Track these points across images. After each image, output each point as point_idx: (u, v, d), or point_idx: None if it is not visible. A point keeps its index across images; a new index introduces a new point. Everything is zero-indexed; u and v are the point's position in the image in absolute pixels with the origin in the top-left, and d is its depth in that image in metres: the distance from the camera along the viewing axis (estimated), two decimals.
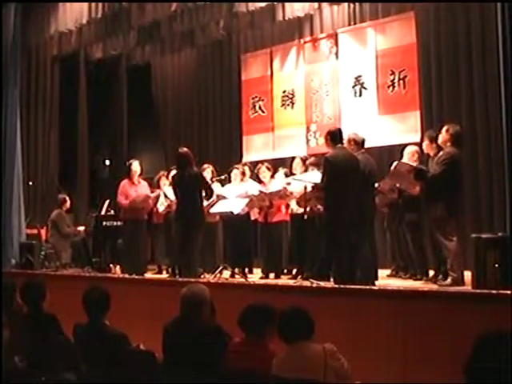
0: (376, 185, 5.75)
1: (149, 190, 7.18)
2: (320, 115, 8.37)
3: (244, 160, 8.66)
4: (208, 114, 9.68)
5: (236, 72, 9.26)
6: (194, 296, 3.17)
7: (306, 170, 6.34)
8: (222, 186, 7.02)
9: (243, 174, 7.03)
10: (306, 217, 5.71)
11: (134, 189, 7.04)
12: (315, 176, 5.60)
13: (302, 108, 8.52)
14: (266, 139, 8.87)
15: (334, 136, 5.26)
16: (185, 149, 6.04)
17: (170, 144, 9.90)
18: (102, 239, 7.53)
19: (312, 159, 6.48)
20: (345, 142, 5.37)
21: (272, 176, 6.87)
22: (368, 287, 4.64)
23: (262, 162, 7.21)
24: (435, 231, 5.14)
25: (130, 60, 9.81)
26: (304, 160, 6.53)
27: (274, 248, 6.66)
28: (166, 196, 7.02)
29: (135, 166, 7.06)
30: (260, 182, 6.88)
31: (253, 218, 6.99)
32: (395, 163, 5.56)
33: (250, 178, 7.14)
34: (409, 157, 5.72)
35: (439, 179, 5.03)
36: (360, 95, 7.94)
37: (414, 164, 5.50)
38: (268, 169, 6.84)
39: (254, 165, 7.34)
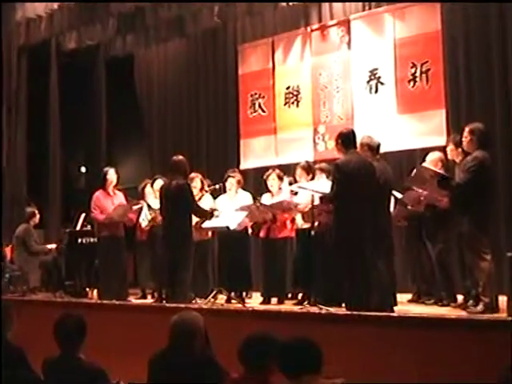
0: (398, 195, 5.76)
1: (125, 202, 7.21)
2: (329, 115, 8.40)
3: (242, 167, 8.72)
4: (200, 113, 9.70)
5: (232, 65, 9.31)
6: (186, 324, 3.15)
7: (312, 179, 6.38)
8: (215, 197, 7.07)
9: (239, 183, 7.08)
10: (313, 233, 5.76)
11: (110, 201, 7.07)
12: (324, 185, 5.64)
13: (309, 106, 8.56)
14: (268, 143, 8.91)
15: (346, 139, 5.30)
16: (180, 157, 6.14)
17: (157, 148, 9.96)
18: (76, 259, 7.57)
19: (322, 164, 6.51)
20: (358, 146, 5.40)
21: (279, 187, 6.87)
22: (386, 314, 4.62)
23: (272, 168, 7.23)
24: (464, 249, 5.17)
25: (109, 51, 9.86)
26: (307, 167, 6.53)
27: (276, 269, 6.70)
28: (149, 207, 7.08)
29: (111, 174, 7.10)
30: (268, 191, 6.93)
31: (251, 233, 7.05)
32: (417, 168, 5.58)
33: (243, 187, 7.15)
34: (432, 165, 5.73)
35: (466, 189, 5.04)
36: (376, 91, 8.00)
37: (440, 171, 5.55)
38: (278, 177, 6.83)
39: (257, 172, 7.35)
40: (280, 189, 6.80)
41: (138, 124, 10.27)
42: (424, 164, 5.76)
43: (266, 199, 6.81)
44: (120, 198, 7.21)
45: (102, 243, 7.06)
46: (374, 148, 5.51)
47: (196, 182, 6.96)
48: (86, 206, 7.48)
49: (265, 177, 6.90)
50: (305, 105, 8.61)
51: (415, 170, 5.55)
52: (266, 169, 7.21)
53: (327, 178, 5.94)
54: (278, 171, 6.92)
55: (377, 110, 7.92)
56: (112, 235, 6.96)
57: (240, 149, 9.14)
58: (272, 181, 6.83)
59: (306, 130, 8.54)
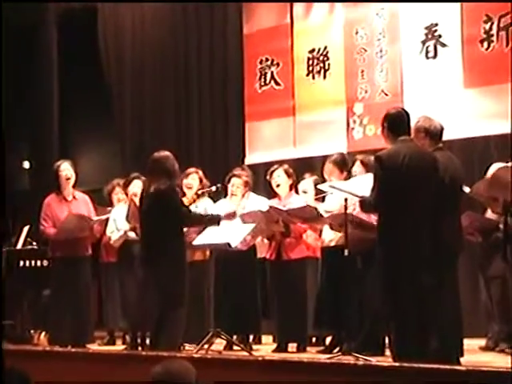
0: (466, 189, 5.76)
1: (92, 209, 7.25)
2: (370, 89, 8.41)
3: (247, 161, 8.75)
4: (191, 88, 9.72)
5: (235, 22, 9.39)
6: (173, 378, 3.16)
7: (348, 178, 6.45)
8: (214, 202, 7.16)
9: (247, 185, 7.11)
10: (346, 252, 5.80)
11: (67, 208, 7.11)
12: (363, 184, 5.61)
13: (341, 77, 8.58)
14: (283, 128, 8.90)
15: (395, 122, 5.29)
16: (165, 153, 6.11)
17: (130, 137, 9.96)
18: (17, 289, 7.57)
19: (362, 156, 6.55)
20: (412, 131, 5.39)
21: (293, 187, 6.94)
22: (449, 367, 4.38)
23: (279, 162, 7.25)
24: None
25: (62, 3, 10.01)
26: (340, 161, 6.61)
27: (294, 302, 6.74)
28: (127, 216, 6.96)
29: (66, 169, 7.12)
30: (274, 195, 6.95)
31: (261, 256, 7.09)
32: (494, 167, 5.58)
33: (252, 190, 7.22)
34: None
35: None
36: (435, 56, 8.04)
37: None
38: (287, 174, 6.89)
39: (268, 168, 7.28)
40: (291, 190, 6.90)
41: (104, 105, 10.27)
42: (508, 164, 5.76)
43: (275, 204, 6.85)
44: (82, 203, 7.26)
45: (54, 267, 7.10)
46: (435, 134, 5.48)
47: (193, 179, 7.07)
48: (30, 214, 7.55)
49: (268, 174, 7.00)
50: (335, 75, 8.64)
51: (490, 172, 5.56)
52: (281, 164, 7.26)
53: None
54: (286, 166, 6.97)
55: (435, 81, 7.95)
56: (70, 256, 7.00)
57: (245, 137, 9.14)
58: (278, 179, 6.87)
59: (336, 109, 8.56)
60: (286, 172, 6.91)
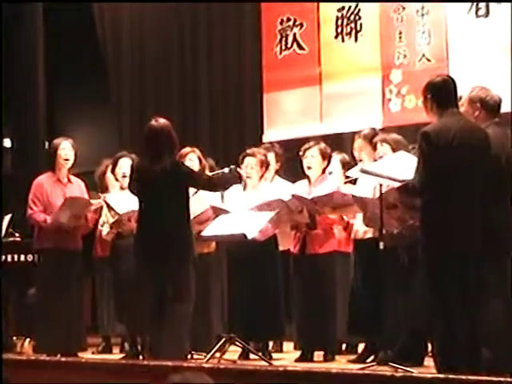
0: None
1: (87, 196, 7.31)
2: (409, 53, 8.37)
3: (266, 139, 8.70)
4: (199, 53, 9.70)
5: None
6: None
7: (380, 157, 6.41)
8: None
9: (263, 164, 7.10)
10: (382, 246, 5.83)
11: (61, 192, 7.16)
12: (404, 166, 5.58)
13: (376, 40, 8.59)
14: (308, 99, 8.88)
15: (441, 92, 5.28)
16: (160, 121, 6.15)
17: (129, 108, 9.97)
18: None
19: (393, 136, 6.51)
20: (461, 103, 5.38)
21: (326, 170, 6.93)
22: (503, 379, 4.32)
23: (314, 140, 7.21)
24: None
25: None
26: (372, 137, 6.63)
27: (321, 303, 6.74)
28: (110, 208, 7.13)
29: (65, 148, 7.20)
30: (305, 177, 6.94)
31: (282, 249, 7.10)
32: None
33: (279, 173, 7.34)
34: None
35: None
36: (486, 14, 7.96)
37: None
38: (322, 154, 6.82)
39: (289, 147, 7.30)
40: (324, 173, 6.86)
41: (99, 73, 10.28)
42: None
43: (302, 190, 6.86)
44: (77, 188, 7.30)
45: (41, 262, 7.11)
46: (492, 106, 5.46)
47: (191, 159, 7.04)
48: (12, 201, 7.66)
49: (301, 153, 6.94)
50: (368, 37, 8.65)
51: None
52: (304, 141, 7.23)
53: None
54: (322, 145, 6.91)
55: (486, 45, 7.90)
56: (59, 249, 7.02)
57: (263, 110, 9.12)
58: (311, 159, 6.84)
59: (370, 77, 8.58)
60: (322, 152, 6.83)
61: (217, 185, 6.29)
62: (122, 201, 6.91)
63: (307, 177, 6.90)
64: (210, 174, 6.91)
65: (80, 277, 7.23)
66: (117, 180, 7.35)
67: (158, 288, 6.01)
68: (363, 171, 6.08)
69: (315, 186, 6.81)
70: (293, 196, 6.64)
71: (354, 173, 6.35)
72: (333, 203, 6.51)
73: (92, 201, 7.24)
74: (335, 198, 6.48)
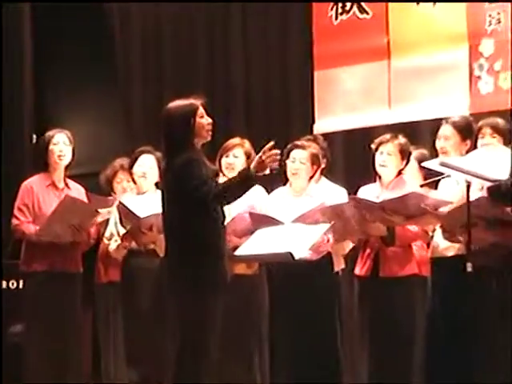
0: None
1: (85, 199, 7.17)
2: (504, 17, 7.91)
3: (317, 129, 8.48)
4: (232, 21, 9.47)
5: None
6: None
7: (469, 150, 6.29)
8: (268, 192, 7.06)
9: (315, 161, 6.90)
10: (470, 267, 5.60)
11: (56, 199, 6.99)
12: (488, 162, 5.61)
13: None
14: (372, 78, 8.55)
15: None
16: (176, 102, 5.82)
17: (141, 93, 9.89)
18: None
19: (492, 120, 6.37)
20: None
21: (402, 171, 6.71)
22: None
23: (362, 130, 7.34)
24: None
25: None
26: (462, 126, 6.50)
27: (394, 342, 6.42)
28: (125, 211, 6.94)
29: (59, 142, 7.05)
30: (376, 178, 6.73)
31: (338, 269, 6.91)
32: None
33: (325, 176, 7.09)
34: None
35: None
36: None
37: None
38: (401, 151, 6.58)
39: (348, 139, 7.34)
40: (400, 175, 6.61)
41: (102, 51, 10.13)
42: None
43: (371, 194, 6.62)
44: (76, 195, 7.11)
45: (29, 290, 6.95)
46: None
47: (236, 156, 6.93)
48: None
49: (373, 146, 6.70)
50: None
51: None
52: (367, 133, 7.26)
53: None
54: (403, 140, 6.65)
55: None
56: (54, 272, 6.86)
57: (314, 92, 8.79)
58: (386, 157, 6.59)
59: (453, 49, 8.15)
60: (401, 149, 6.58)
61: (216, 193, 5.69)
62: (143, 204, 6.78)
63: (378, 178, 6.65)
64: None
65: (78, 308, 7.08)
66: (134, 182, 7.23)
67: (182, 326, 5.71)
68: (444, 164, 5.80)
69: (388, 190, 6.57)
70: (351, 199, 6.40)
71: (431, 164, 5.95)
72: (408, 210, 6.15)
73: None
74: (412, 201, 6.12)
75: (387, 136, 6.65)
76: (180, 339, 5.65)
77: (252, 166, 5.60)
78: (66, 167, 7.14)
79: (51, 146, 7.02)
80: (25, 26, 10.46)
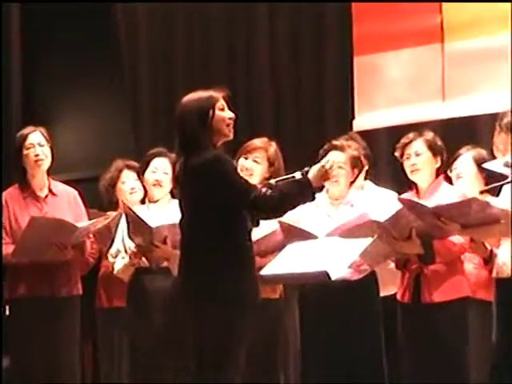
0: None
1: (84, 212, 7.03)
2: None
3: (357, 126, 8.26)
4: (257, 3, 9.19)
5: None
6: None
7: None
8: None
9: (355, 162, 6.69)
10: None
11: (37, 210, 6.82)
12: None
13: None
14: (422, 65, 8.28)
15: None
16: (193, 95, 5.63)
17: (151, 87, 9.72)
18: None
19: None
20: None
21: (441, 171, 6.48)
22: None
23: (411, 127, 6.86)
24: None
25: None
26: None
27: (445, 373, 6.20)
28: (136, 220, 6.69)
29: (34, 142, 6.78)
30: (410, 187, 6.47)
31: (386, 294, 6.65)
32: None
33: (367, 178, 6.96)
34: None
35: None
36: None
37: None
38: (431, 148, 6.41)
39: (394, 136, 7.07)
40: (438, 177, 6.45)
41: (105, 40, 10.00)
42: None
43: None
44: (65, 204, 6.91)
45: (15, 319, 6.73)
46: None
47: (256, 160, 6.70)
48: None
49: (397, 153, 6.66)
50: None
51: None
52: (420, 129, 6.77)
53: None
54: (429, 135, 6.49)
55: None
56: (40, 298, 6.60)
57: (353, 82, 8.53)
58: (416, 159, 6.52)
59: None
60: (430, 146, 6.35)
61: (272, 204, 5.44)
62: (155, 214, 6.60)
63: (414, 186, 6.46)
64: (273, 181, 6.25)
65: (75, 338, 6.85)
66: (145, 189, 6.99)
67: (201, 357, 5.43)
68: (508, 165, 5.59)
69: (427, 198, 6.30)
70: (402, 202, 5.98)
71: (494, 165, 5.76)
72: (466, 218, 5.67)
73: (84, 225, 6.78)
74: (473, 208, 5.64)
75: (410, 135, 6.49)
76: (197, 367, 5.41)
77: (312, 175, 5.34)
78: (48, 170, 6.85)
79: (25, 151, 6.76)
80: (12, 24, 10.39)
